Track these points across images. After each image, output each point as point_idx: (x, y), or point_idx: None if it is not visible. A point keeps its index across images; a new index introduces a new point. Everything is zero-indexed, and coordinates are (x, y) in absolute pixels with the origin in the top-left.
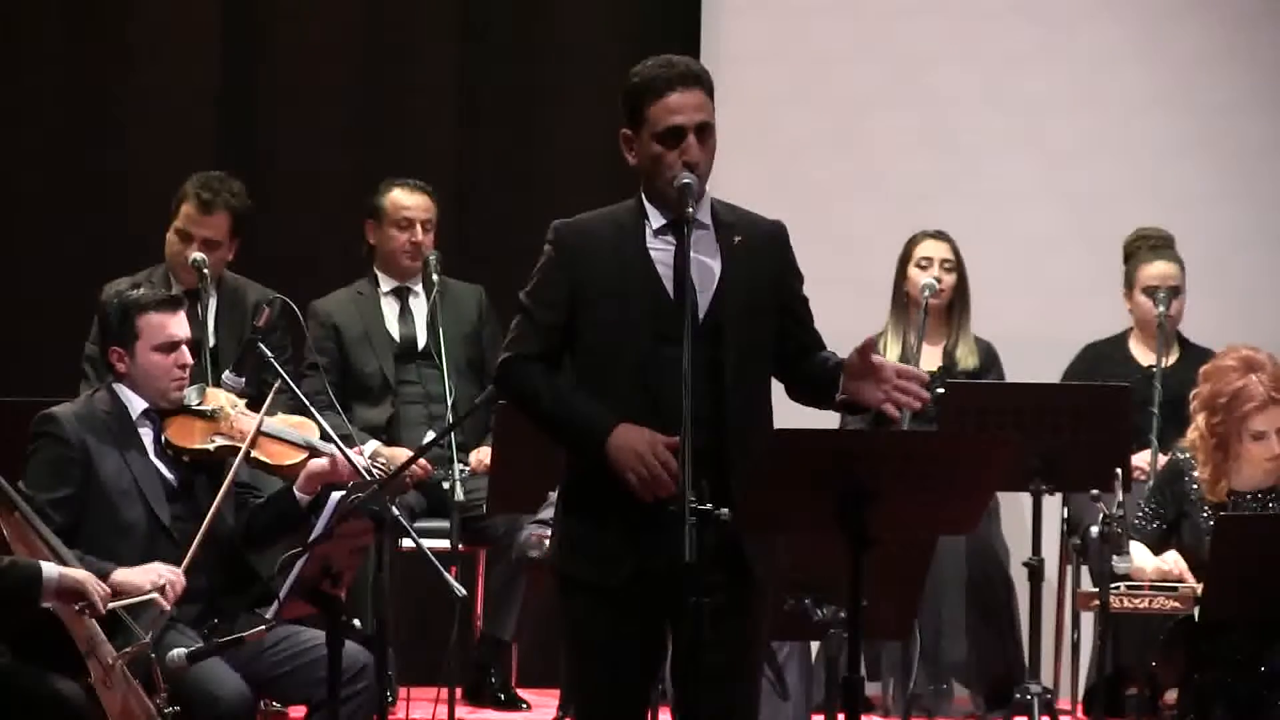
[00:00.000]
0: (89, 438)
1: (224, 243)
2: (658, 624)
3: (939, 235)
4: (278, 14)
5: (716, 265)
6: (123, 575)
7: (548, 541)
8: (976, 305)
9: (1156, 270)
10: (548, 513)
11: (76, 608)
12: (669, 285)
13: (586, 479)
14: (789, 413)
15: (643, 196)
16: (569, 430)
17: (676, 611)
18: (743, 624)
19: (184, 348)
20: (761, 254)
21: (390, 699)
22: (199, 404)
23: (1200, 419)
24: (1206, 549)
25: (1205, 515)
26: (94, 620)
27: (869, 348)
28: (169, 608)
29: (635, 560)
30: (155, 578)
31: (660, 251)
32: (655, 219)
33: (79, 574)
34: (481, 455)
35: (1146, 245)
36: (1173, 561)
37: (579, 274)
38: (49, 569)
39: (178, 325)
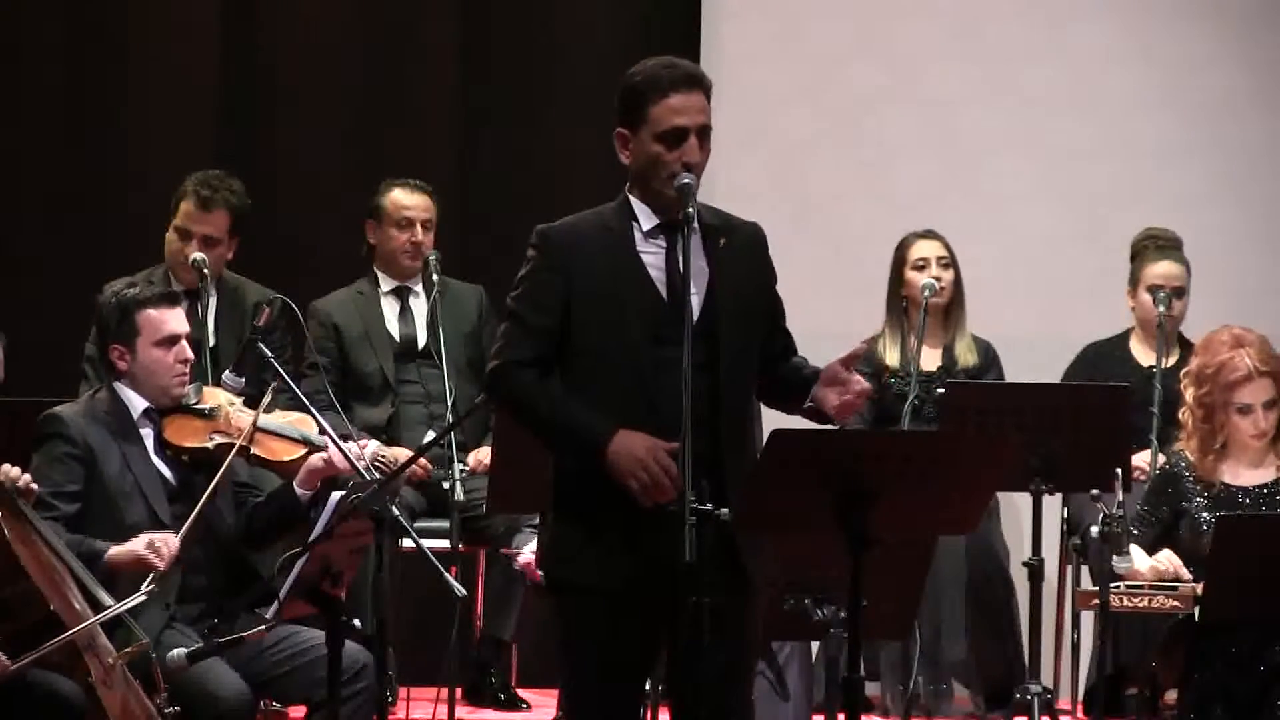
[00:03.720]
0: (93, 438)
1: (223, 240)
2: (654, 625)
3: (930, 234)
4: (278, 14)
5: (705, 267)
6: (115, 550)
7: None
8: (976, 305)
9: (1161, 270)
10: None
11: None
12: (662, 288)
13: (579, 481)
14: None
15: (629, 198)
16: (567, 437)
17: (674, 612)
18: (739, 625)
19: (184, 342)
20: (746, 256)
21: (390, 699)
22: (197, 403)
23: (1189, 393)
24: (1204, 544)
25: (1200, 507)
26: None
27: (854, 359)
28: (162, 566)
29: (633, 562)
30: (147, 543)
31: (651, 255)
32: (645, 220)
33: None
34: (481, 455)
35: (1154, 245)
36: (1166, 559)
37: (570, 277)
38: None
39: (176, 320)
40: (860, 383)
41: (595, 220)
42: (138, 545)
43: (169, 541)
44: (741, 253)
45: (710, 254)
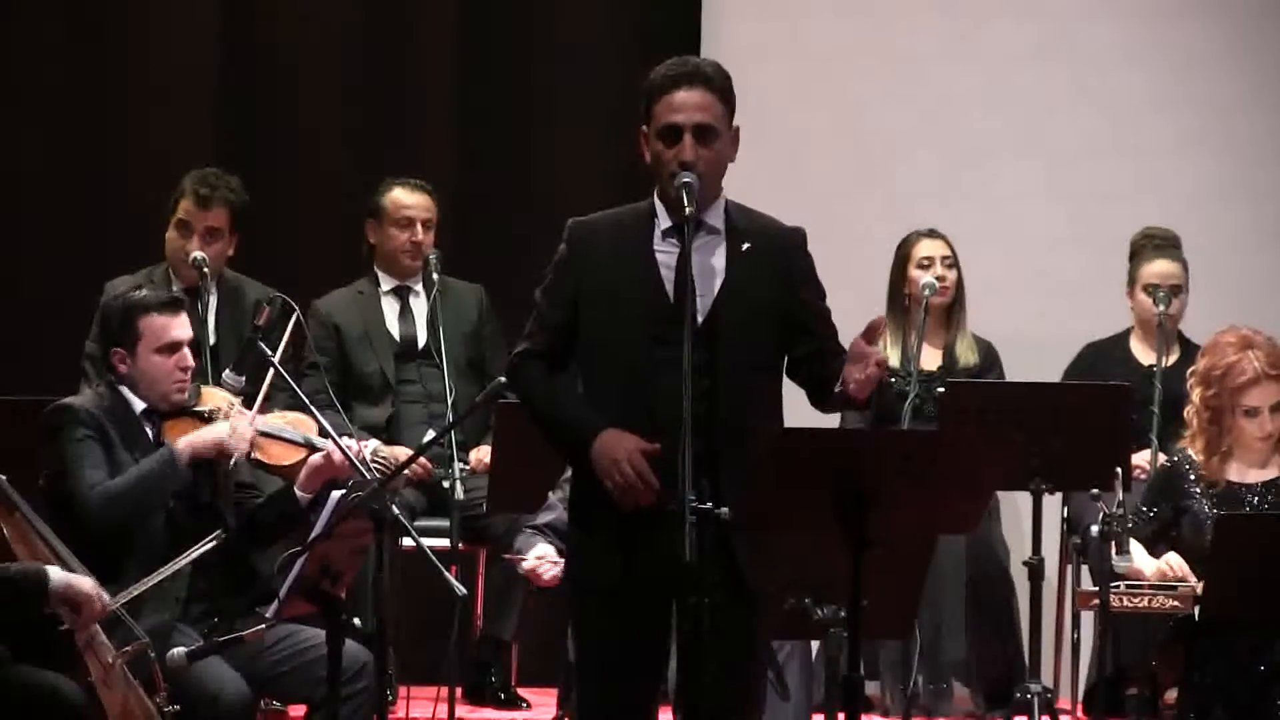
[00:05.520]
0: (105, 425)
1: (225, 234)
2: (658, 624)
3: (933, 234)
4: (278, 14)
5: (721, 269)
6: (191, 440)
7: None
8: (977, 305)
9: (1157, 269)
10: (545, 517)
11: (77, 617)
12: (669, 288)
13: (588, 479)
14: (789, 414)
15: (654, 197)
16: (559, 432)
17: (678, 611)
18: (740, 624)
19: (185, 350)
20: (771, 261)
21: (390, 698)
22: (195, 405)
23: (1196, 393)
24: (1206, 540)
25: (1205, 503)
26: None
27: (875, 332)
28: (245, 449)
29: (633, 560)
30: (230, 429)
31: (665, 254)
32: (663, 220)
33: (85, 586)
34: (481, 454)
35: (1151, 244)
36: (1176, 563)
37: (585, 273)
38: (55, 575)
39: (179, 327)
40: (875, 354)
41: (621, 217)
42: (221, 433)
43: (253, 422)
44: (766, 257)
45: (730, 256)
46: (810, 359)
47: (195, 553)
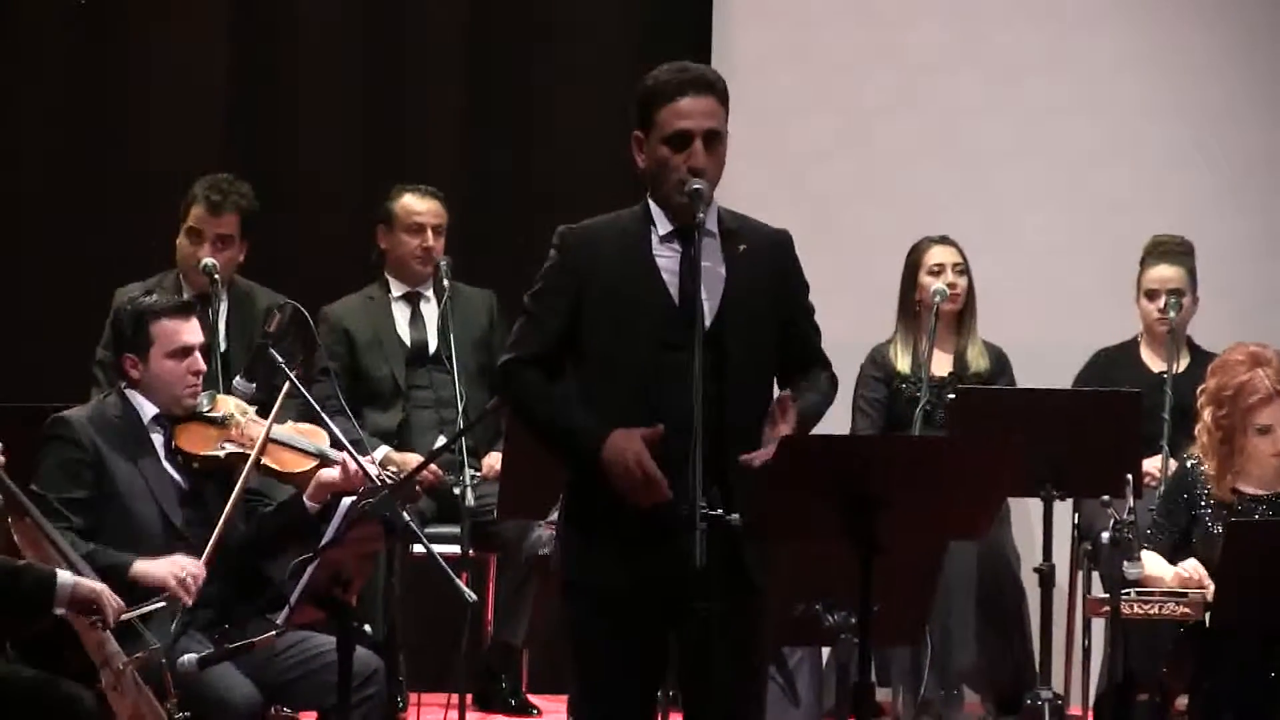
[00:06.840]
0: (101, 441)
1: (236, 240)
2: (660, 630)
3: (945, 240)
4: (282, 15)
5: (722, 273)
6: (144, 567)
7: None
8: (986, 311)
9: (1157, 274)
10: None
11: (90, 621)
12: (674, 292)
13: (587, 484)
14: None
15: (649, 202)
16: (562, 440)
17: (680, 617)
18: (747, 629)
19: (197, 354)
20: (766, 262)
21: (401, 704)
22: (209, 411)
23: (1206, 414)
24: (1217, 554)
25: (1214, 517)
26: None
27: (785, 404)
28: (189, 601)
29: (639, 565)
30: (177, 570)
31: (666, 259)
32: (661, 225)
33: (95, 585)
34: (492, 460)
35: (1156, 250)
36: (1192, 568)
37: (583, 279)
38: (64, 577)
39: (191, 332)
40: (768, 447)
41: (616, 223)
42: (167, 573)
43: (198, 578)
44: (760, 259)
45: (728, 260)
46: (793, 365)
47: (138, 612)
